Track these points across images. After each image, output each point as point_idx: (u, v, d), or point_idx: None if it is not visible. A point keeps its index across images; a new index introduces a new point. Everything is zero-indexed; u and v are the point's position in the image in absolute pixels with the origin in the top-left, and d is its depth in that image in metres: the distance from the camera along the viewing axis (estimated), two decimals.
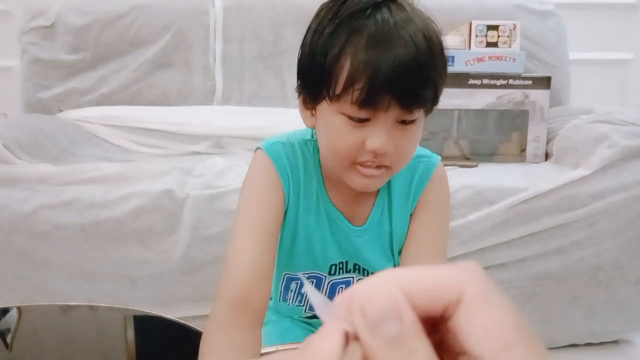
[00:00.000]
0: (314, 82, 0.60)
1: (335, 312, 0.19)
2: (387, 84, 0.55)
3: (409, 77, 0.55)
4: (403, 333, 0.18)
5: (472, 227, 1.18)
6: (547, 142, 1.49)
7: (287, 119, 1.38)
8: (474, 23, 1.52)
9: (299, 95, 0.66)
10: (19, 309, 0.71)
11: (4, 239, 1.16)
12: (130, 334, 0.71)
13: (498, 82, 1.46)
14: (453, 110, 1.49)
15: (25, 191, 1.16)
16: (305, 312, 0.77)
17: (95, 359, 0.73)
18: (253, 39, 1.75)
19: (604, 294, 1.24)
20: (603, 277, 1.23)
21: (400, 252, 0.71)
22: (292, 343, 0.69)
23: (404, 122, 0.59)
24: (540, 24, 1.76)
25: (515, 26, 1.53)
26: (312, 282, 0.74)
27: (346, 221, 0.70)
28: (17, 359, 0.69)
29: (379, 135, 0.57)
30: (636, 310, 1.28)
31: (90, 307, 0.74)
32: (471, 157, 1.51)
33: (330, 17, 0.59)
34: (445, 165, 0.74)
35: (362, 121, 0.58)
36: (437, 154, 0.73)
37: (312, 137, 0.70)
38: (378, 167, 0.60)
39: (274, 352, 0.63)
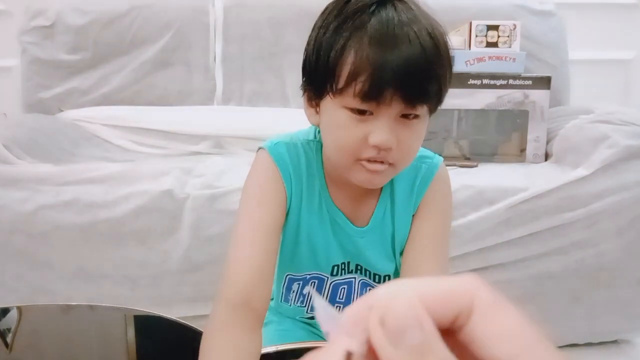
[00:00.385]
0: (319, 77, 0.60)
1: (343, 328, 0.19)
2: (390, 78, 0.55)
3: (413, 71, 0.55)
4: (426, 341, 0.18)
5: (473, 227, 1.18)
6: (547, 142, 1.49)
7: (288, 119, 1.38)
8: (474, 23, 1.52)
9: (303, 93, 0.66)
10: (19, 309, 0.71)
11: (4, 239, 1.15)
12: (130, 334, 0.71)
13: (498, 82, 1.46)
14: (453, 110, 1.49)
15: (25, 191, 1.16)
16: (306, 312, 0.77)
17: (95, 359, 0.73)
18: (253, 39, 1.75)
19: (604, 294, 1.24)
20: (603, 277, 1.23)
21: (402, 253, 0.71)
22: (293, 343, 0.69)
23: (407, 117, 0.59)
24: (541, 24, 1.76)
25: (515, 26, 1.53)
26: (314, 282, 0.74)
27: (348, 222, 0.70)
28: (17, 359, 0.69)
29: (381, 130, 0.57)
30: (636, 310, 1.27)
31: (90, 307, 0.74)
32: (471, 157, 1.51)
33: (335, 13, 0.59)
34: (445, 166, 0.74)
35: (364, 114, 0.58)
36: (437, 154, 0.73)
37: (315, 137, 0.70)
38: (382, 163, 0.60)
39: (274, 352, 0.63)
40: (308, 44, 0.63)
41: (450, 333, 0.19)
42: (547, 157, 1.49)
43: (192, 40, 1.74)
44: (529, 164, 1.45)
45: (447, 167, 0.73)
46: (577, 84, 1.83)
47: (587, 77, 1.99)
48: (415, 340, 0.18)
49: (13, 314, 0.71)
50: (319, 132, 0.68)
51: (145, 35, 1.73)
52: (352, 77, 0.56)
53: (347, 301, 0.75)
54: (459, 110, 1.50)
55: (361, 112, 0.58)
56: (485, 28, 1.52)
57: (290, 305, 0.77)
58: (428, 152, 0.72)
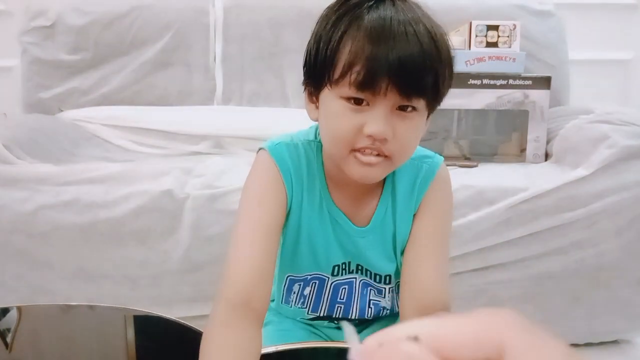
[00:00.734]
0: (317, 69, 0.61)
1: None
2: (385, 67, 0.56)
3: (408, 62, 0.56)
4: None
5: (472, 227, 1.18)
6: (547, 142, 1.49)
7: (288, 119, 1.38)
8: (474, 23, 1.52)
9: (304, 89, 0.67)
10: (19, 309, 0.71)
11: (4, 239, 1.16)
12: (130, 334, 0.71)
13: (498, 82, 1.46)
14: (453, 110, 1.49)
15: (25, 191, 1.16)
16: (307, 314, 0.77)
17: (95, 359, 0.73)
18: (253, 39, 1.75)
19: (604, 294, 1.24)
20: (603, 277, 1.23)
21: (402, 253, 0.71)
22: (293, 343, 0.69)
23: (404, 110, 0.59)
24: (540, 24, 1.76)
25: (515, 26, 1.53)
26: (315, 283, 0.74)
27: (349, 222, 0.70)
28: (17, 359, 0.69)
29: (376, 120, 0.58)
30: (636, 310, 1.28)
31: (90, 307, 0.74)
32: (471, 157, 1.51)
33: (335, 8, 0.61)
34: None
35: (361, 104, 0.59)
36: (437, 153, 0.73)
37: (316, 137, 0.70)
38: (377, 155, 0.60)
39: (274, 352, 0.63)
40: (309, 40, 0.64)
41: None
42: (547, 157, 1.49)
43: (192, 40, 1.74)
44: (529, 164, 1.45)
45: (447, 167, 0.74)
46: (577, 84, 1.83)
47: (586, 77, 1.99)
48: None
49: (13, 314, 0.71)
50: (319, 132, 0.68)
51: (145, 36, 1.73)
52: (348, 67, 0.57)
53: (348, 301, 0.75)
54: (459, 110, 1.50)
55: (357, 102, 0.59)
56: (485, 28, 1.53)
57: (291, 307, 0.77)
58: (428, 152, 0.72)
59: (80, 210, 1.16)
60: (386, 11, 0.58)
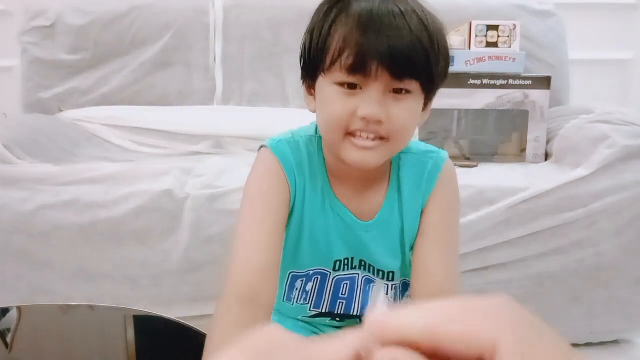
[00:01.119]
0: (312, 58, 0.63)
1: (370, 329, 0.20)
2: (374, 49, 0.57)
3: (397, 44, 0.57)
4: None
5: (473, 227, 1.18)
6: (547, 142, 1.49)
7: (288, 119, 1.38)
8: (474, 23, 1.52)
9: (303, 83, 0.68)
10: (19, 309, 0.71)
11: (4, 239, 1.15)
12: (130, 334, 0.71)
13: (498, 82, 1.46)
14: (453, 110, 1.49)
15: (25, 191, 1.16)
16: (309, 310, 0.77)
17: (95, 359, 0.73)
18: (253, 39, 1.75)
19: (604, 294, 1.24)
20: (603, 277, 1.23)
21: (411, 248, 0.71)
22: None
23: (398, 93, 0.60)
24: (540, 24, 1.76)
25: (515, 26, 1.53)
26: (317, 278, 0.74)
27: (353, 217, 0.70)
28: (17, 359, 0.69)
29: (369, 102, 0.59)
30: (636, 310, 1.27)
31: (90, 307, 0.74)
32: (471, 157, 1.51)
33: (327, 1, 0.64)
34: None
35: (353, 88, 0.60)
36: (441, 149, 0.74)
37: (316, 132, 0.71)
38: (374, 139, 0.61)
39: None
40: (305, 33, 0.66)
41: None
42: (547, 157, 1.49)
43: (192, 40, 1.74)
44: (529, 164, 1.45)
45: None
46: (577, 84, 1.83)
47: (586, 77, 1.99)
48: None
49: (13, 314, 0.71)
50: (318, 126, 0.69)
51: (145, 36, 1.73)
52: (339, 53, 0.59)
53: (350, 297, 0.75)
54: (459, 110, 1.50)
55: (351, 87, 0.60)
56: (485, 28, 1.52)
57: (293, 304, 0.77)
58: (432, 147, 0.73)
59: (80, 210, 1.15)
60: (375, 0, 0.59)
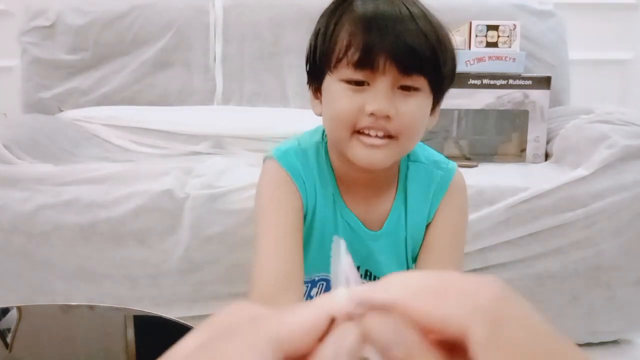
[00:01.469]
0: (318, 58, 0.62)
1: (346, 297, 0.20)
2: (380, 44, 0.56)
3: (405, 37, 0.57)
4: (410, 353, 0.19)
5: (472, 227, 1.18)
6: (547, 142, 1.49)
7: (288, 119, 1.38)
8: (474, 23, 1.52)
9: (309, 87, 0.67)
10: (19, 309, 0.71)
11: (4, 239, 1.15)
12: (130, 334, 0.71)
13: (498, 82, 1.46)
14: (453, 110, 1.49)
15: (25, 191, 1.16)
16: None
17: (95, 359, 0.73)
18: (253, 39, 1.75)
19: (604, 294, 1.24)
20: (603, 277, 1.23)
21: (414, 259, 0.71)
22: None
23: (406, 89, 0.59)
24: (540, 24, 1.76)
25: (515, 26, 1.53)
26: (322, 284, 0.74)
27: (362, 226, 0.69)
28: (17, 359, 0.69)
29: (377, 97, 0.58)
30: (636, 310, 1.27)
31: (90, 307, 0.74)
32: (471, 157, 1.51)
33: (332, 3, 0.64)
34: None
35: (361, 85, 0.59)
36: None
37: (323, 138, 0.70)
38: (382, 137, 0.60)
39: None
40: (310, 37, 0.65)
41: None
42: (547, 157, 1.49)
43: (192, 40, 1.74)
44: (529, 164, 1.45)
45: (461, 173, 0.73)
46: (577, 84, 1.83)
47: (585, 77, 1.99)
48: (400, 354, 0.19)
49: (13, 314, 0.70)
50: (325, 130, 0.68)
51: (145, 36, 1.73)
52: (345, 49, 0.58)
53: None
54: (459, 110, 1.50)
55: (358, 84, 0.59)
56: (485, 28, 1.52)
57: None
58: (441, 157, 0.72)
59: (80, 210, 1.15)
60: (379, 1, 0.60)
